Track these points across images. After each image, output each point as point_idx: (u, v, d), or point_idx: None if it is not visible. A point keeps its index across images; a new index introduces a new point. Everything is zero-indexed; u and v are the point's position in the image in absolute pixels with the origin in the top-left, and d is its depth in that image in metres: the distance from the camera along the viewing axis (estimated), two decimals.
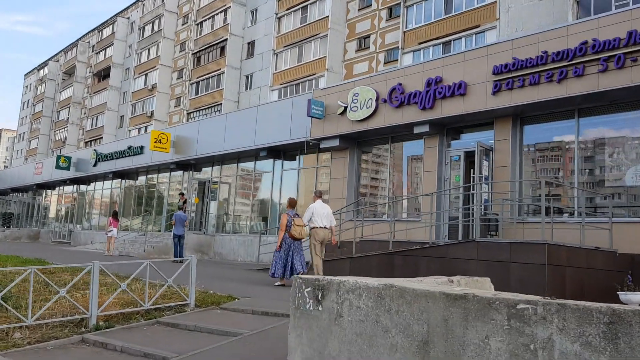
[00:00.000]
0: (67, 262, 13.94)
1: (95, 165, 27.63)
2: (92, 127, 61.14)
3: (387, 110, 14.17)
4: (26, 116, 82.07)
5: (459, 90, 12.55)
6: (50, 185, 34.92)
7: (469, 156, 13.14)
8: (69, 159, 29.82)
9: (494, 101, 12.07)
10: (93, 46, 66.37)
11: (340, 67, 35.26)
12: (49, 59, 77.41)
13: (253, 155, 19.36)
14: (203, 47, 46.07)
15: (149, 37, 54.19)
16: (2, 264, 12.17)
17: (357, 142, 15.96)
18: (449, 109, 12.88)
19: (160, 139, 21.32)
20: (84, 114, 65.11)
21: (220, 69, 43.54)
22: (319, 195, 11.62)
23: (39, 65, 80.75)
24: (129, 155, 24.83)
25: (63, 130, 68.05)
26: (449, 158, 13.59)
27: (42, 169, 34.25)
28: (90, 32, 68.96)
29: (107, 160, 26.64)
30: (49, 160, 35.55)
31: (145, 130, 51.88)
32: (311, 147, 16.87)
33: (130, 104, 54.89)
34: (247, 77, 42.75)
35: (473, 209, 11.59)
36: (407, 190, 15.39)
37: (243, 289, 9.53)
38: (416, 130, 13.64)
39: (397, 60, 31.10)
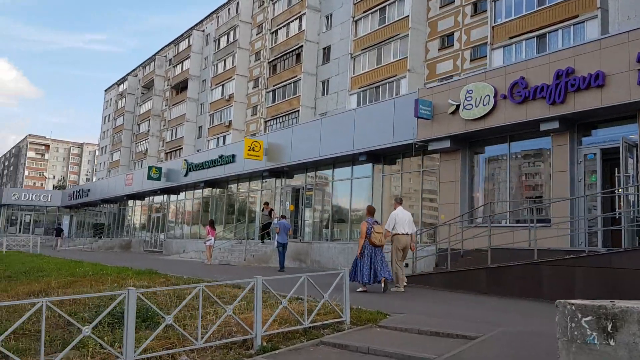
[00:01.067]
0: (176, 273, 13.85)
1: (186, 175, 27.99)
2: (172, 138, 62.84)
3: (508, 107, 13.16)
4: (107, 130, 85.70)
5: (596, 81, 11.39)
6: (140, 196, 35.85)
7: (606, 154, 11.92)
8: (159, 169, 30.43)
9: None
10: (170, 60, 68.37)
11: (422, 67, 34.24)
12: (127, 74, 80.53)
13: (350, 160, 18.77)
14: (279, 55, 46.23)
15: (224, 49, 55.12)
16: (122, 275, 12.15)
17: (470, 142, 15.00)
18: (583, 102, 11.73)
19: (253, 147, 21.16)
20: (164, 125, 67.09)
21: (296, 76, 43.50)
22: (399, 202, 11.68)
23: (118, 81, 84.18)
24: (221, 164, 24.92)
25: (144, 142, 70.40)
26: (581, 156, 12.39)
27: (132, 180, 35.23)
28: (166, 46, 71.17)
29: (198, 169, 26.89)
30: (138, 171, 36.55)
31: (224, 140, 52.72)
32: (417, 149, 16.07)
33: (208, 115, 55.94)
34: (323, 82, 42.45)
35: (619, 213, 10.41)
36: (525, 191, 14.28)
37: (376, 302, 8.83)
38: (543, 127, 12.55)
39: (486, 56, 29.79)
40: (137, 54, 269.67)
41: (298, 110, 42.69)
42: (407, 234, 10.97)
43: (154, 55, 72.66)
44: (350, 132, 17.64)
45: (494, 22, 29.07)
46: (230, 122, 52.00)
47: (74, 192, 49.48)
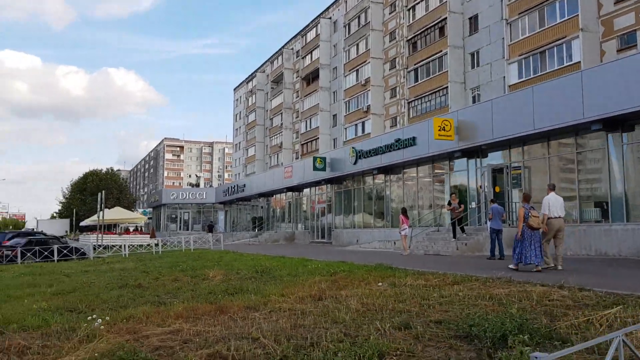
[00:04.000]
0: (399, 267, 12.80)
1: (355, 163, 27.22)
2: (306, 129, 63.21)
3: None
4: (240, 127, 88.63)
5: None
6: (300, 188, 35.89)
7: None
8: (324, 159, 30.03)
9: None
10: (297, 52, 68.77)
11: (595, 24, 30.70)
12: (255, 71, 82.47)
13: (572, 131, 16.57)
14: (418, 32, 44.25)
15: (355, 33, 54.09)
16: (353, 270, 11.28)
17: None
18: None
19: (443, 126, 19.68)
20: (296, 117, 67.77)
21: (440, 51, 41.34)
22: (552, 188, 12.32)
23: (246, 78, 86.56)
24: (398, 149, 23.75)
25: (278, 135, 71.69)
26: None
27: (291, 172, 35.33)
28: (292, 38, 71.70)
29: (370, 156, 25.97)
30: (297, 163, 36.68)
31: (363, 126, 51.87)
32: None
33: (343, 102, 55.34)
34: (472, 54, 39.92)
35: None
36: None
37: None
38: None
39: None
40: (249, 53, 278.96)
41: (446, 87, 40.58)
42: (559, 217, 11.76)
43: (281, 49, 73.56)
44: (577, 97, 15.49)
45: None
46: (368, 107, 50.99)
47: (228, 188, 51.24)
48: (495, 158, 19.83)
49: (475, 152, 20.25)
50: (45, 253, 22.69)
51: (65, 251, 23.57)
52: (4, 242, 26.93)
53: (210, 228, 50.86)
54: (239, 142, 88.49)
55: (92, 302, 9.53)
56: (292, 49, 71.10)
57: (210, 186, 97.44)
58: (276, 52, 75.39)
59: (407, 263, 14.31)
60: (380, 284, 9.90)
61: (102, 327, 6.84)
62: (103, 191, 29.16)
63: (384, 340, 5.73)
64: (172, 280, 12.04)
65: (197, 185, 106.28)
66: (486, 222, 16.77)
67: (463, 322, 6.18)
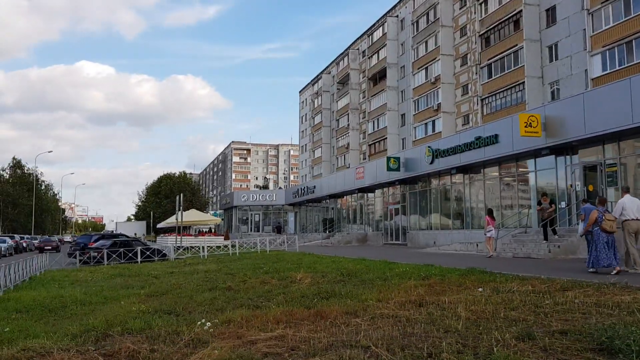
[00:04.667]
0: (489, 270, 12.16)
1: (432, 162, 26.50)
2: (374, 129, 62.65)
3: None
4: (306, 129, 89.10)
5: None
6: (372, 189, 35.46)
7: None
8: (397, 159, 29.47)
9: None
10: (364, 51, 68.31)
11: None
12: (320, 73, 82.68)
13: None
14: (491, 26, 42.81)
15: (424, 30, 53.08)
16: (447, 275, 10.73)
17: None
18: None
19: (530, 123, 18.71)
20: (363, 118, 67.31)
21: (516, 45, 39.77)
22: (627, 190, 12.67)
23: (312, 80, 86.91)
24: (478, 147, 22.88)
25: (344, 136, 71.47)
26: None
27: (363, 173, 34.97)
28: (358, 39, 71.34)
29: (447, 155, 25.19)
30: (370, 164, 36.33)
31: (433, 125, 50.78)
32: None
33: (412, 101, 54.41)
34: (549, 47, 38.12)
35: None
36: None
37: None
38: None
39: None
40: (310, 56, 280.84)
41: (523, 82, 39.00)
42: (636, 219, 11.77)
43: (347, 49, 73.34)
44: None
45: None
46: (438, 105, 49.86)
47: (298, 189, 51.54)
48: (587, 155, 18.65)
49: (564, 149, 19.12)
50: (130, 255, 23.40)
51: (148, 253, 24.22)
52: (90, 244, 28.08)
53: (279, 229, 51.35)
54: (305, 144, 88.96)
55: (187, 305, 9.56)
56: (358, 49, 70.71)
57: (280, 188, 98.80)
58: (342, 53, 75.24)
59: (499, 266, 13.62)
60: (480, 289, 9.38)
61: (211, 330, 6.73)
62: (182, 194, 29.86)
63: (509, 352, 5.28)
64: (260, 283, 11.97)
65: (266, 187, 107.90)
66: (577, 224, 15.76)
67: (599, 333, 5.61)
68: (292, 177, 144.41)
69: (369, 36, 65.91)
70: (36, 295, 11.38)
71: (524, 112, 21.33)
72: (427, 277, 11.24)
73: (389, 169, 29.23)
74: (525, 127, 18.64)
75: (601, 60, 32.43)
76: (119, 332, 7.52)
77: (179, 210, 28.65)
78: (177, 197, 29.57)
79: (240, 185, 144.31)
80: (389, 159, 29.66)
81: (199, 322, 7.17)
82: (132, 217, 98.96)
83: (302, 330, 7.02)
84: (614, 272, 11.21)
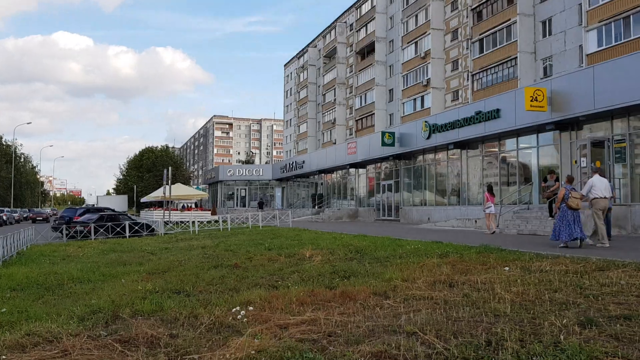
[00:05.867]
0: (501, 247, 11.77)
1: (428, 137, 25.93)
2: (361, 104, 61.87)
3: None
4: (291, 104, 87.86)
5: None
6: (364, 164, 34.84)
7: None
8: (392, 134, 28.85)
9: None
10: (351, 25, 67.05)
11: None
12: (307, 46, 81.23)
13: None
14: (484, 0, 42.00)
15: (414, 3, 52.11)
16: (465, 254, 10.26)
17: None
18: None
19: (536, 97, 18.19)
20: (350, 93, 66.41)
21: (509, 19, 39.13)
22: (596, 170, 13.62)
23: (298, 54, 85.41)
24: (478, 122, 22.34)
25: (331, 111, 70.56)
26: None
27: (355, 148, 34.31)
28: (345, 12, 70.00)
29: (445, 130, 24.63)
30: (362, 139, 35.57)
31: (422, 100, 50.19)
32: None
33: (401, 76, 53.64)
34: (543, 23, 37.56)
35: None
36: None
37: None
38: None
39: None
40: (292, 30, 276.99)
41: (515, 58, 38.47)
42: (605, 197, 12.70)
43: (333, 22, 72.01)
44: None
45: None
46: (428, 80, 49.20)
47: (286, 164, 50.68)
48: (593, 130, 18.22)
49: (569, 125, 18.67)
50: (117, 229, 22.59)
51: (136, 227, 23.44)
52: (75, 217, 27.14)
53: (261, 205, 50.29)
54: (290, 119, 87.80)
55: (195, 284, 8.94)
56: (346, 22, 69.38)
57: (266, 163, 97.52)
58: (329, 26, 73.86)
59: (508, 243, 13.22)
60: (506, 268, 8.91)
61: (245, 320, 6.09)
62: (169, 167, 28.93)
63: (578, 341, 4.77)
64: (267, 260, 11.37)
65: (249, 162, 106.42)
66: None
67: None
68: (274, 152, 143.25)
69: (357, 9, 64.64)
70: (28, 272, 10.63)
71: (529, 85, 20.78)
72: (444, 255, 10.75)
73: (383, 144, 28.60)
74: (531, 101, 18.11)
75: (597, 35, 32.00)
76: (130, 314, 6.89)
77: (167, 184, 27.77)
78: (165, 171, 28.67)
79: (222, 160, 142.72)
80: (384, 133, 29.00)
81: (234, 310, 6.51)
82: (111, 190, 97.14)
83: (334, 314, 6.46)
84: (562, 245, 12.15)
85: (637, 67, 15.67)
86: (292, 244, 14.97)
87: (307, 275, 9.24)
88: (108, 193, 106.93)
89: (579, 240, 12.16)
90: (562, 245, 12.27)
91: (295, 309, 6.81)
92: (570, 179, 13.15)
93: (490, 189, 18.84)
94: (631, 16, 30.10)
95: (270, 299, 7.39)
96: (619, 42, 30.33)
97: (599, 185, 12.76)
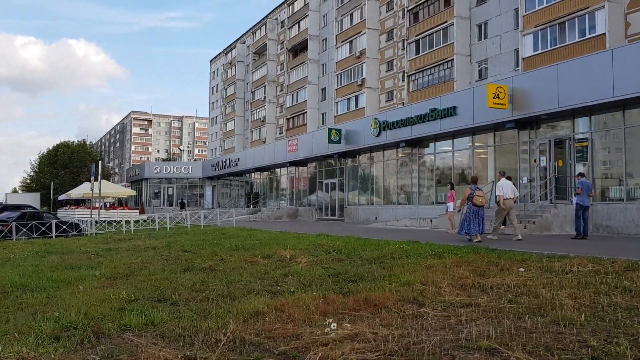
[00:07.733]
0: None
1: (378, 135, 25.30)
2: (292, 102, 60.85)
3: None
4: (217, 100, 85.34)
5: None
6: (304, 162, 33.82)
7: None
8: (339, 131, 28.02)
9: None
10: (282, 22, 65.93)
11: None
12: (235, 42, 79.23)
13: None
14: (420, 2, 42.29)
15: (349, 2, 51.79)
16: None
17: None
18: None
19: (498, 94, 17.96)
20: (281, 90, 65.25)
21: (446, 22, 39.55)
22: (503, 174, 14.85)
23: (225, 49, 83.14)
24: (432, 119, 21.94)
25: (260, 109, 69.02)
26: None
27: (297, 145, 33.19)
28: (277, 8, 68.76)
29: (396, 128, 24.09)
30: (304, 136, 34.47)
31: (357, 100, 49.92)
32: None
33: (335, 75, 53.17)
34: (479, 26, 38.28)
35: None
36: None
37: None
38: None
39: None
40: (212, 27, 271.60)
41: (452, 60, 38.89)
42: (511, 198, 14.21)
43: (264, 19, 70.56)
44: None
45: None
46: (363, 80, 48.98)
47: (218, 162, 48.56)
48: (555, 129, 18.26)
49: (529, 123, 18.63)
50: (43, 229, 20.23)
51: (64, 227, 21.14)
52: None
53: (182, 205, 47.70)
54: (216, 116, 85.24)
55: (176, 290, 7.56)
56: (277, 19, 68.14)
57: (195, 160, 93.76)
58: (258, 22, 72.30)
59: (484, 243, 12.77)
60: (522, 269, 8.24)
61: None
62: (99, 161, 26.53)
63: None
64: (246, 263, 10.08)
65: (174, 159, 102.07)
66: (572, 197, 15.34)
67: None
68: (196, 151, 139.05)
69: (289, 5, 63.56)
70: None
71: (491, 82, 20.65)
72: (440, 256, 9.96)
73: (330, 141, 27.73)
74: (494, 98, 17.88)
75: (533, 40, 32.83)
76: (116, 330, 5.51)
77: (96, 180, 25.38)
78: (93, 165, 26.26)
79: (140, 157, 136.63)
80: (330, 130, 28.12)
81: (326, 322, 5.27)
82: (21, 188, 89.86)
83: (376, 326, 5.41)
84: (476, 240, 13.34)
85: (603, 66, 15.74)
86: (255, 244, 13.73)
87: (306, 279, 8.14)
88: (14, 191, 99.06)
89: (477, 236, 13.46)
90: (476, 240, 13.33)
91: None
92: (474, 180, 14.79)
93: (453, 187, 18.45)
94: (567, 22, 31.07)
95: (282, 307, 6.25)
96: (554, 47, 31.21)
97: (506, 187, 14.18)
